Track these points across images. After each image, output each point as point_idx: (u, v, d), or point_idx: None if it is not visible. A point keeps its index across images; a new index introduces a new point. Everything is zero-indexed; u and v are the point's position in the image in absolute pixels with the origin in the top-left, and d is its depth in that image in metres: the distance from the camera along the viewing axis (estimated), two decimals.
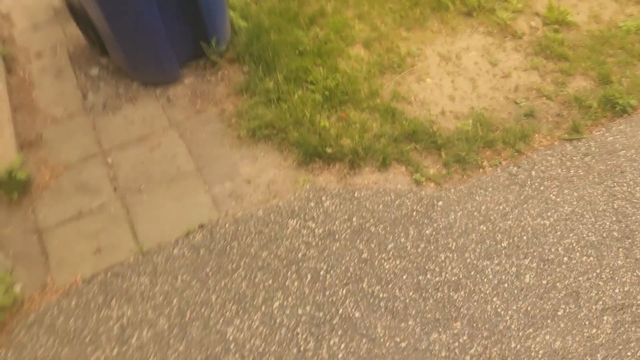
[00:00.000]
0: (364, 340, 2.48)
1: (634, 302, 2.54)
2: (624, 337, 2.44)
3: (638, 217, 2.81)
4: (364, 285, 2.65)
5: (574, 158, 3.09)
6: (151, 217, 3.04)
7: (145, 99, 3.66)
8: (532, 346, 2.44)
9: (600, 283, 2.59)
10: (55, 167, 3.32)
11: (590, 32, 3.84)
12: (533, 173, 3.04)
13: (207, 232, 2.91)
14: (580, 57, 3.65)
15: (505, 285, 2.61)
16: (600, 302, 2.53)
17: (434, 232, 2.82)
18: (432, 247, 2.76)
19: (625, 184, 2.95)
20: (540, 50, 3.75)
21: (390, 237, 2.82)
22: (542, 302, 2.55)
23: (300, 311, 2.59)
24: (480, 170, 3.09)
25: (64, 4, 4.36)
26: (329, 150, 3.16)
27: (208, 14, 3.56)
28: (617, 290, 2.57)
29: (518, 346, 2.44)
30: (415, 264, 2.71)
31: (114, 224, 3.02)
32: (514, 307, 2.54)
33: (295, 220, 2.93)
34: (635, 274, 2.63)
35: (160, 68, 3.65)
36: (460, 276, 2.65)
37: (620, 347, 2.42)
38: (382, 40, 3.90)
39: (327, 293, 2.64)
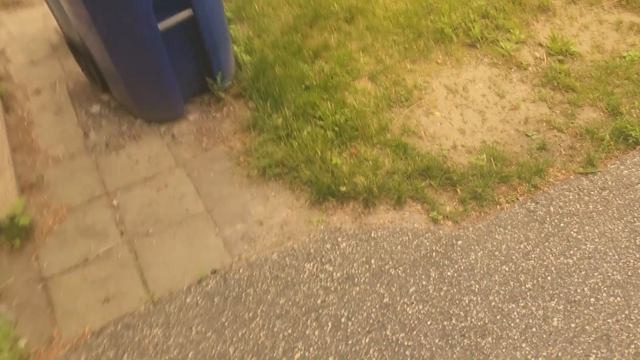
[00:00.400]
0: None
1: None
2: None
3: None
4: (388, 333, 2.51)
5: (592, 193, 3.01)
6: (161, 262, 2.88)
7: (149, 136, 3.53)
8: None
9: (630, 325, 2.48)
10: (59, 210, 3.15)
11: (595, 63, 3.79)
12: (552, 209, 2.94)
13: (220, 278, 2.76)
14: (588, 88, 3.59)
15: (534, 329, 2.49)
16: (633, 346, 2.42)
17: (455, 274, 2.70)
18: (455, 290, 2.64)
19: None
20: (547, 81, 3.68)
21: (411, 280, 2.69)
22: (572, 347, 2.43)
23: None
24: (498, 206, 2.99)
25: (62, 39, 4.23)
26: (342, 189, 3.04)
27: (213, 49, 3.45)
28: None
29: None
30: (439, 309, 2.58)
31: (122, 270, 2.86)
32: (544, 353, 2.41)
33: (311, 264, 2.79)
34: None
35: (165, 105, 3.52)
36: (486, 321, 2.53)
37: None
38: (388, 73, 3.81)
39: (350, 342, 2.50)
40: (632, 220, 2.86)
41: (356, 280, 2.71)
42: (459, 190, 3.07)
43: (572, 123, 3.40)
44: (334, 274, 2.74)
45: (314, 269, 2.76)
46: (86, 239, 3.00)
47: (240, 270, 2.79)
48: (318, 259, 2.80)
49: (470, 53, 3.96)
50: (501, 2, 4.32)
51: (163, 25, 3.13)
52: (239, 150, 3.37)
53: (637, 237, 2.79)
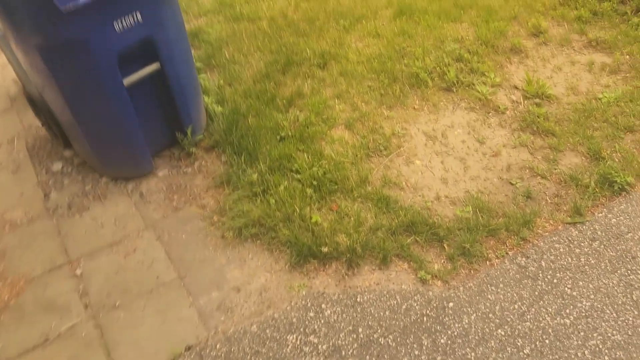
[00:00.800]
0: None
1: None
2: None
3: None
4: None
5: (582, 244, 2.86)
6: (130, 339, 2.59)
7: (115, 196, 3.26)
8: None
9: None
10: (16, 282, 2.84)
11: (572, 105, 3.70)
12: (543, 264, 2.78)
13: (196, 356, 2.49)
14: (567, 132, 3.49)
15: None
16: None
17: (449, 342, 2.49)
18: None
19: (639, 272, 2.72)
20: (526, 125, 3.57)
21: (403, 350, 2.47)
22: None
23: None
24: (487, 262, 2.81)
25: (21, 93, 3.95)
26: (324, 249, 2.82)
27: (183, 102, 3.24)
28: None
29: None
30: None
31: (87, 350, 2.55)
32: None
33: (294, 336, 2.54)
34: None
35: (132, 161, 3.28)
36: None
37: None
38: (365, 120, 3.64)
39: None
40: (626, 274, 2.72)
41: (344, 352, 2.47)
42: (446, 246, 2.88)
43: (555, 169, 3.28)
44: (319, 346, 2.50)
45: (298, 342, 2.52)
46: (47, 315, 2.70)
47: (217, 346, 2.52)
48: (301, 329, 2.56)
49: (446, 97, 3.84)
50: (474, 45, 4.24)
51: (129, 80, 2.92)
52: (212, 209, 3.13)
53: (634, 292, 2.64)
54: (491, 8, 4.67)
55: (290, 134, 3.48)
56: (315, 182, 3.16)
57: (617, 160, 3.28)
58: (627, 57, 4.12)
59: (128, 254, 2.94)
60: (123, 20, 2.70)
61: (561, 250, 2.84)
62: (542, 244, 2.88)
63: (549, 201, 3.11)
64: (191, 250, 2.93)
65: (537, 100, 3.75)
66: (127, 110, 2.98)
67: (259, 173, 3.20)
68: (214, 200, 3.17)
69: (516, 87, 3.90)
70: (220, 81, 3.91)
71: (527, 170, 3.29)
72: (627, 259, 2.78)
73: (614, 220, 2.97)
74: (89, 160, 3.38)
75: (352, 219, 2.98)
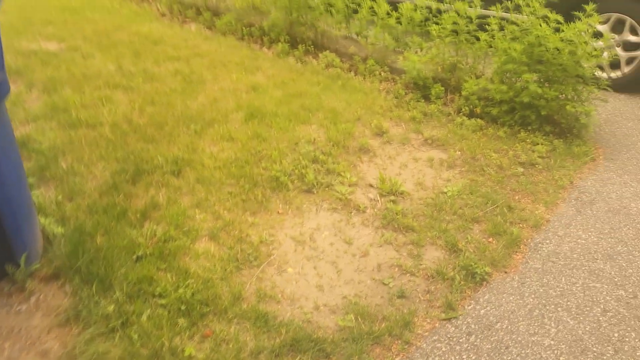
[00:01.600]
0: None
1: None
2: None
3: None
4: None
5: (460, 340, 2.86)
6: None
7: None
8: None
9: None
10: None
11: (424, 200, 3.88)
12: None
13: None
14: (425, 227, 3.61)
15: None
16: None
17: None
18: None
19: None
20: (387, 223, 3.63)
21: None
22: None
23: None
24: None
25: None
26: None
27: (14, 226, 2.70)
28: None
29: None
30: None
31: None
32: None
33: None
34: None
35: None
36: None
37: None
38: (229, 229, 3.39)
39: None
40: None
41: None
42: None
43: (421, 265, 3.32)
44: None
45: None
46: None
47: None
48: None
49: (308, 199, 3.78)
50: (327, 146, 4.32)
51: None
52: (57, 354, 2.53)
53: None
54: (336, 111, 4.87)
55: (148, 252, 3.07)
56: (183, 306, 2.77)
57: (472, 250, 3.45)
58: (459, 152, 4.52)
59: None
60: None
61: (443, 349, 2.80)
62: (424, 345, 2.81)
63: (422, 298, 3.11)
64: None
65: (392, 197, 3.87)
66: None
67: (115, 303, 2.72)
68: (60, 343, 2.59)
69: (371, 186, 4.00)
70: (59, 196, 3.38)
71: (397, 269, 3.29)
72: (502, 350, 2.83)
73: (483, 311, 3.05)
74: None
75: (230, 344, 2.64)
